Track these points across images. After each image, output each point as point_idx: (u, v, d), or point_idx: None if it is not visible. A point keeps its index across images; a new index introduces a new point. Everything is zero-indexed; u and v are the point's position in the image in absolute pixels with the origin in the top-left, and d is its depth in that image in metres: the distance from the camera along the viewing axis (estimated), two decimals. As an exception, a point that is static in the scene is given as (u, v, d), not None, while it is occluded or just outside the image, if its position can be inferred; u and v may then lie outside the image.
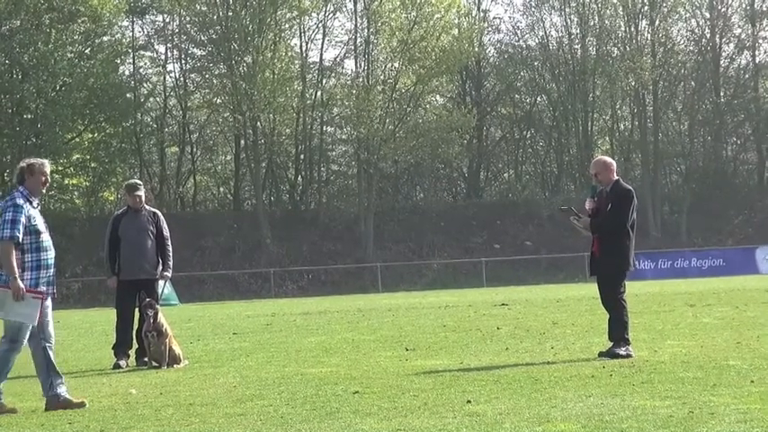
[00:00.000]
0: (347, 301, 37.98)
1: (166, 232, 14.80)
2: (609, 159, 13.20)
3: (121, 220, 14.64)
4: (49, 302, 10.05)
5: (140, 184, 15.14)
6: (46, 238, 9.94)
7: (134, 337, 14.53)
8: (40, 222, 9.90)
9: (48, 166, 10.13)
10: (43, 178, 10.00)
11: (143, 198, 14.76)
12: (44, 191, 10.17)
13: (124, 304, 14.65)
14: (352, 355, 13.94)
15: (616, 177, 12.84)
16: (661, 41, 66.41)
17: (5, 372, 9.91)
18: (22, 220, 9.75)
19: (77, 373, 13.53)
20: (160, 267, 14.66)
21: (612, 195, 12.70)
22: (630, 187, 12.89)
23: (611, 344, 12.50)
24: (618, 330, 12.48)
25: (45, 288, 9.87)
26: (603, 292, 12.76)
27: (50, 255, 9.96)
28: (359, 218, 61.51)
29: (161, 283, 14.82)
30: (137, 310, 14.55)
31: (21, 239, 9.73)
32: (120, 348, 14.41)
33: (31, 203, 9.91)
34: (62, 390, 9.94)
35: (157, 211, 15.01)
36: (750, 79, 68.70)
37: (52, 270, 9.99)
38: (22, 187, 9.97)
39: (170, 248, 14.89)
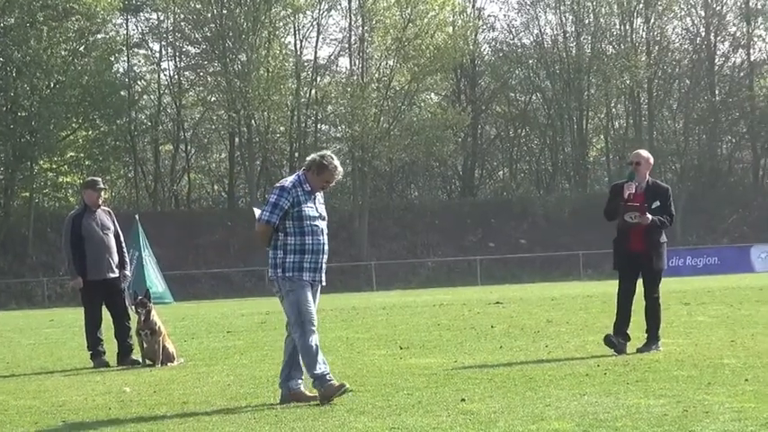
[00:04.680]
0: (341, 299, 37.94)
1: (120, 230, 14.75)
2: (651, 157, 13.20)
3: (82, 220, 14.30)
4: (317, 291, 9.81)
5: (101, 181, 14.99)
6: (315, 224, 9.55)
7: (114, 338, 14.42)
8: (308, 209, 9.50)
9: (339, 176, 9.69)
10: (324, 185, 9.61)
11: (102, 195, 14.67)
12: (323, 189, 9.67)
13: (93, 305, 14.41)
14: (346, 354, 13.93)
15: (648, 175, 12.96)
16: (656, 40, 66.52)
17: (315, 357, 9.45)
18: (284, 205, 9.44)
19: (72, 371, 13.51)
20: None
21: (655, 193, 12.87)
22: (668, 186, 13.08)
23: (638, 339, 12.85)
24: (656, 328, 12.82)
25: (311, 274, 9.61)
26: (629, 289, 12.92)
27: (317, 240, 9.56)
28: (353, 216, 61.49)
29: (124, 284, 14.69)
30: (104, 309, 14.48)
31: (283, 223, 9.46)
32: (95, 350, 14.24)
33: (303, 188, 9.52)
34: (295, 383, 9.60)
35: (110, 209, 14.91)
36: (745, 77, 68.79)
37: (320, 256, 9.61)
38: (302, 172, 9.64)
39: (125, 247, 14.87)
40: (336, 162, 9.70)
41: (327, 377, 9.38)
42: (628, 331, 12.83)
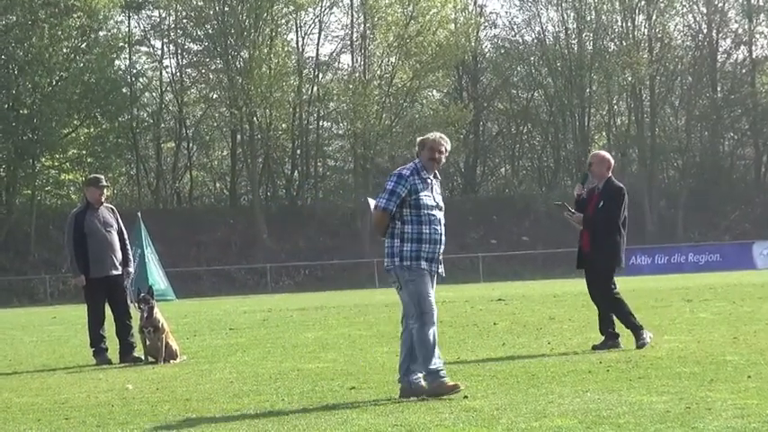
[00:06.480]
0: (344, 296, 37.96)
1: (124, 227, 14.77)
2: (607, 156, 13.29)
3: (84, 217, 14.29)
4: (434, 281, 9.64)
5: (103, 179, 14.99)
6: (432, 213, 9.40)
7: (116, 335, 14.40)
8: (425, 197, 9.37)
9: (444, 142, 9.55)
10: (435, 154, 9.47)
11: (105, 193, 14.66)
12: (437, 166, 9.57)
13: (96, 302, 14.40)
14: (349, 351, 13.92)
15: (609, 175, 12.96)
16: (658, 36, 66.50)
17: (432, 350, 9.36)
18: (401, 192, 9.31)
19: (74, 368, 13.51)
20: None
21: (604, 193, 12.86)
22: (622, 185, 12.98)
23: (602, 338, 12.90)
24: (629, 323, 12.74)
25: (427, 263, 9.46)
26: (595, 289, 13.08)
27: (435, 229, 9.42)
28: (355, 213, 61.49)
29: (127, 282, 14.68)
30: (107, 306, 14.49)
31: (400, 211, 9.33)
32: (98, 347, 14.24)
33: (420, 176, 9.42)
34: (415, 377, 9.37)
35: (113, 207, 14.92)
36: (747, 74, 68.77)
37: (437, 246, 9.48)
38: (418, 159, 9.54)
39: (129, 244, 14.86)
40: (436, 133, 9.69)
41: (441, 373, 9.28)
42: (613, 330, 12.88)
